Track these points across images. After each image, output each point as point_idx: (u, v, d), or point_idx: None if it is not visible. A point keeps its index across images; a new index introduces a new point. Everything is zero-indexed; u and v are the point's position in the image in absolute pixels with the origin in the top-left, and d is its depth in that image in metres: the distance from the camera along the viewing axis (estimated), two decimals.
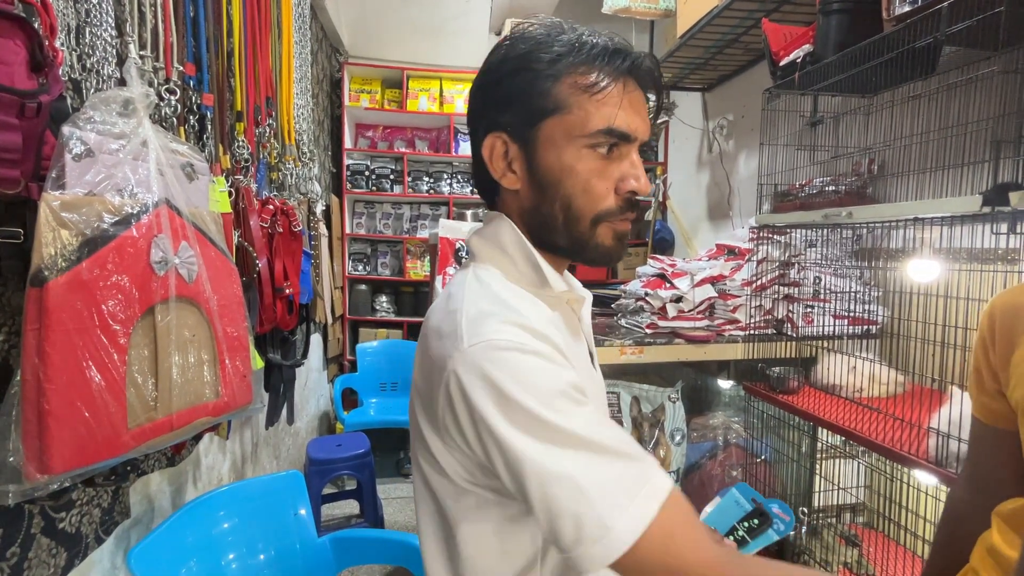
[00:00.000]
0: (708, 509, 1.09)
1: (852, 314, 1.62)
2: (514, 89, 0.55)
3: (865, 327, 1.62)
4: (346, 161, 3.29)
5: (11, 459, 0.65)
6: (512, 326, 0.49)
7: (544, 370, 0.48)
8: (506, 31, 3.28)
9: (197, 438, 1.31)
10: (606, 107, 0.53)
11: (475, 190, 0.68)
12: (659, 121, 2.73)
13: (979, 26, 0.94)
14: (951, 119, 1.17)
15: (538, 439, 0.45)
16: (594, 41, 0.55)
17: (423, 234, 3.45)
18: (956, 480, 0.83)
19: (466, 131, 3.20)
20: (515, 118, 0.56)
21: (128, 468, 1.00)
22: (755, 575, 0.46)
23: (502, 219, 0.60)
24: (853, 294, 1.62)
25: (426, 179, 3.45)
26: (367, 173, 3.37)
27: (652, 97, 0.59)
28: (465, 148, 3.41)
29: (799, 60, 1.37)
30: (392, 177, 3.40)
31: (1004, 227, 0.91)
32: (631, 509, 0.44)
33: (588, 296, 0.70)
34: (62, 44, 0.80)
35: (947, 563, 0.75)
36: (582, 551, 0.44)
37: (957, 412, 0.99)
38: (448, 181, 3.47)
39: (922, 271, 1.27)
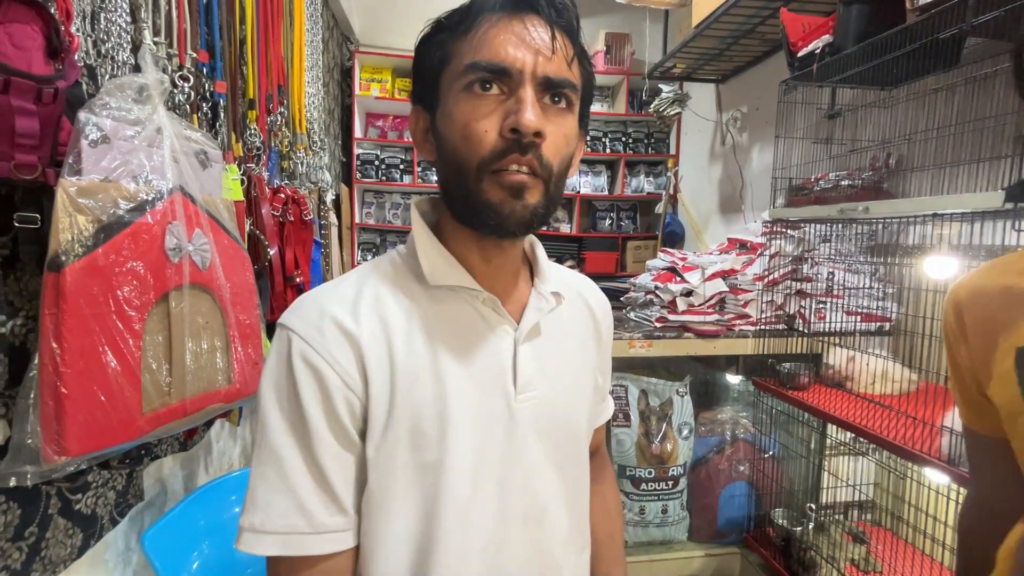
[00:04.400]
0: None
1: (865, 310, 1.60)
2: (420, 56, 0.53)
3: (878, 324, 1.61)
4: (356, 151, 3.29)
5: (29, 441, 0.66)
6: (294, 315, 0.51)
7: (272, 367, 0.50)
8: None
9: (209, 424, 1.32)
10: (475, 42, 0.47)
11: None
12: (654, 106, 2.66)
13: (1006, 16, 0.92)
14: (972, 113, 1.15)
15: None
16: None
17: None
18: (964, 506, 0.71)
19: None
20: (421, 86, 0.53)
21: (142, 452, 1.02)
22: None
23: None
24: (866, 290, 1.60)
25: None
26: (377, 163, 3.37)
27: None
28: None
29: (818, 51, 1.35)
30: (402, 167, 3.40)
31: None
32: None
33: (536, 298, 0.57)
34: (77, 30, 0.81)
35: None
36: None
37: None
38: None
39: (939, 268, 1.25)
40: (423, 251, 0.53)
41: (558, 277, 0.62)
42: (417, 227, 0.55)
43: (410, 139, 3.50)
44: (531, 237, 0.60)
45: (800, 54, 1.43)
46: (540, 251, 0.61)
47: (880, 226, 1.53)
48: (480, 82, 0.47)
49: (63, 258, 0.67)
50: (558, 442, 0.57)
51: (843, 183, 1.44)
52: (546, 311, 0.57)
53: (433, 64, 0.51)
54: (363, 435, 0.50)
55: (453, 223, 0.54)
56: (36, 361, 0.67)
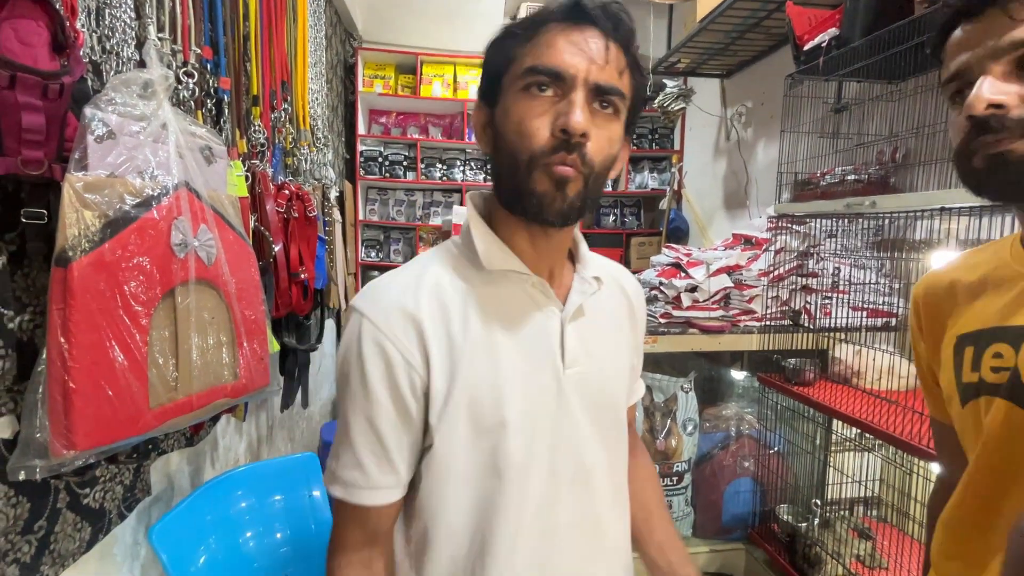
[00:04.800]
0: None
1: (871, 306, 1.59)
2: (486, 59, 0.58)
3: (884, 319, 1.60)
4: (359, 147, 3.29)
5: (38, 435, 0.67)
6: (365, 300, 0.58)
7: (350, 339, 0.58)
8: (522, 15, 3.24)
9: (215, 419, 1.33)
10: (536, 48, 0.53)
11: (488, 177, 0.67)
12: (658, 102, 2.65)
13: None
14: None
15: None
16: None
17: (436, 221, 3.45)
18: (932, 489, 0.75)
19: None
20: (485, 84, 0.59)
21: (149, 447, 1.02)
22: None
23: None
24: (872, 286, 1.59)
25: (439, 166, 3.44)
26: (380, 159, 3.37)
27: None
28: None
29: (824, 44, 1.34)
30: (405, 164, 3.40)
31: None
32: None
33: (579, 281, 0.63)
34: (82, 26, 0.81)
35: None
36: None
37: None
38: (461, 168, 3.46)
39: (946, 263, 1.24)
40: (479, 239, 0.59)
41: (597, 263, 0.68)
42: (472, 217, 0.61)
43: (413, 136, 3.52)
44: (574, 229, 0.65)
45: (806, 48, 1.42)
46: (581, 240, 0.67)
47: (887, 221, 1.52)
48: (537, 84, 0.53)
49: (70, 253, 0.67)
50: (600, 413, 0.63)
51: (849, 178, 1.43)
52: (588, 294, 0.62)
53: (497, 66, 0.57)
54: (425, 408, 0.57)
55: (504, 212, 0.59)
56: (44, 356, 0.68)
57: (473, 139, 3.36)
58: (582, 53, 0.52)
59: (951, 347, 0.61)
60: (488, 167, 0.62)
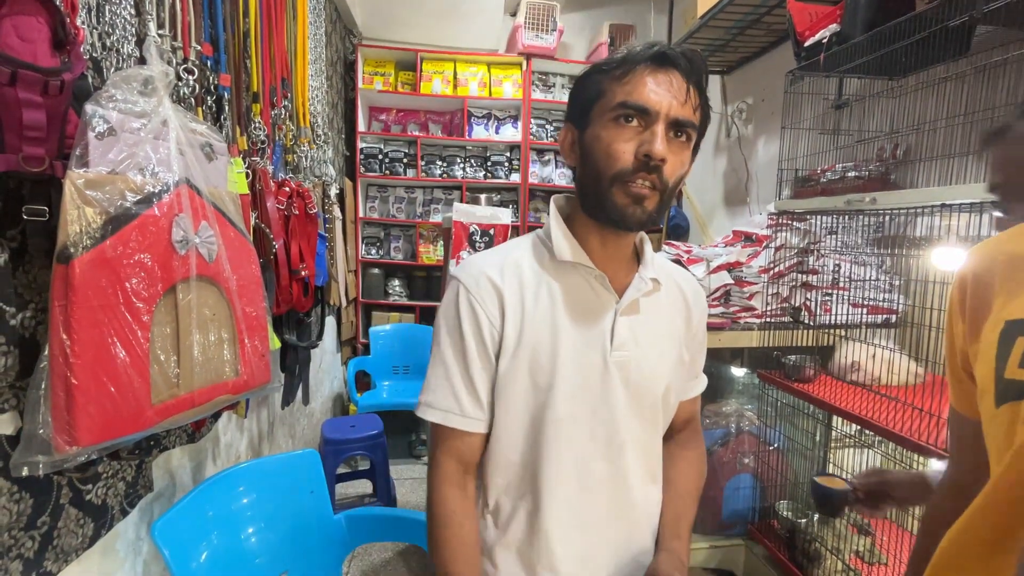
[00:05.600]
0: None
1: (871, 302, 1.59)
2: (578, 90, 0.70)
3: (884, 316, 1.60)
4: (359, 144, 3.28)
5: (41, 431, 0.67)
6: (463, 270, 0.72)
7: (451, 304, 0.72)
8: (521, 12, 3.23)
9: (216, 416, 1.33)
10: (627, 86, 0.64)
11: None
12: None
13: (1018, 3, 0.91)
14: (982, 102, 1.13)
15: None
16: (641, 47, 0.65)
17: (436, 218, 3.45)
18: (937, 486, 0.70)
19: (479, 115, 3.15)
20: (575, 111, 0.70)
21: (151, 443, 1.03)
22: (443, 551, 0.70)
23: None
24: (872, 282, 1.59)
25: (439, 163, 3.44)
26: (380, 157, 3.36)
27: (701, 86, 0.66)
28: (478, 132, 3.39)
29: (825, 40, 1.33)
30: (405, 161, 3.39)
31: None
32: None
33: (638, 280, 0.72)
34: (83, 22, 0.81)
35: None
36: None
37: None
38: (461, 165, 3.46)
39: (946, 259, 1.24)
40: (555, 235, 0.71)
41: (660, 267, 0.77)
42: (554, 216, 0.73)
43: (413, 133, 3.51)
44: (642, 234, 0.76)
45: (807, 44, 1.42)
46: (647, 245, 0.76)
47: (887, 217, 1.52)
48: (625, 116, 0.64)
49: (72, 250, 0.67)
50: (640, 395, 0.72)
51: (850, 174, 1.43)
52: (643, 292, 0.72)
53: (589, 96, 0.67)
54: (498, 356, 0.70)
55: (583, 216, 0.71)
56: (46, 352, 0.68)
57: (474, 136, 3.37)
58: (665, 93, 0.63)
59: (996, 332, 0.52)
60: (573, 178, 0.74)
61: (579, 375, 0.69)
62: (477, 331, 0.69)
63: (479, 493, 0.75)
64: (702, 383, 0.86)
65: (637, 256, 0.77)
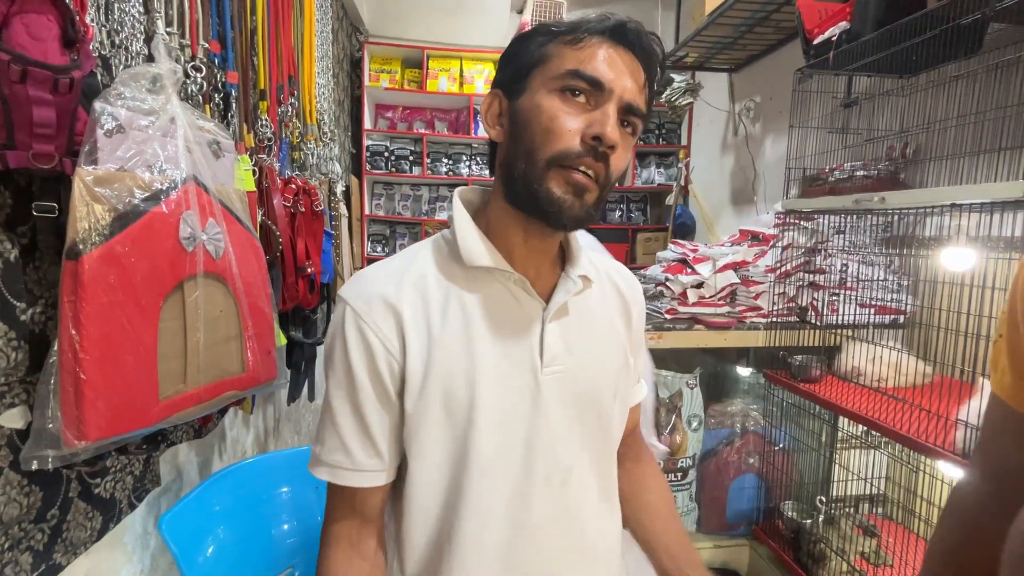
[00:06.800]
0: None
1: (879, 303, 1.58)
2: (514, 50, 0.59)
3: (892, 316, 1.59)
4: (366, 142, 3.29)
5: (50, 425, 0.68)
6: (350, 288, 0.59)
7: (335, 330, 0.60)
8: (528, 9, 3.22)
9: (223, 412, 1.34)
10: (580, 53, 0.54)
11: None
12: (665, 96, 2.64)
13: None
14: (993, 101, 1.12)
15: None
16: (595, 14, 0.56)
17: (442, 216, 3.46)
18: (962, 484, 0.60)
19: None
20: (509, 74, 0.59)
21: (159, 438, 1.03)
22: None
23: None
24: (880, 282, 1.58)
25: (445, 161, 3.44)
26: (386, 154, 3.37)
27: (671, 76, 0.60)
28: (484, 130, 3.38)
29: (835, 38, 1.32)
30: (411, 158, 3.40)
31: None
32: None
33: (565, 280, 0.62)
34: (92, 20, 0.81)
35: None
36: None
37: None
38: (467, 163, 3.46)
39: (956, 259, 1.23)
40: (461, 235, 0.59)
41: (588, 262, 0.66)
42: (458, 213, 0.61)
43: (419, 130, 3.51)
44: None
45: (816, 41, 1.41)
46: (573, 239, 0.65)
47: (896, 217, 1.51)
48: (573, 89, 0.53)
49: (81, 247, 0.68)
50: (583, 412, 0.62)
51: (858, 173, 1.42)
52: (572, 292, 0.62)
53: (530, 58, 0.56)
54: (401, 393, 0.57)
55: (503, 205, 0.59)
56: (56, 348, 0.69)
57: (480, 133, 3.36)
58: (622, 72, 0.54)
59: None
60: (490, 158, 0.63)
61: (505, 402, 0.57)
62: (371, 363, 0.56)
63: (393, 549, 0.63)
64: (642, 389, 0.76)
65: (562, 252, 0.65)
